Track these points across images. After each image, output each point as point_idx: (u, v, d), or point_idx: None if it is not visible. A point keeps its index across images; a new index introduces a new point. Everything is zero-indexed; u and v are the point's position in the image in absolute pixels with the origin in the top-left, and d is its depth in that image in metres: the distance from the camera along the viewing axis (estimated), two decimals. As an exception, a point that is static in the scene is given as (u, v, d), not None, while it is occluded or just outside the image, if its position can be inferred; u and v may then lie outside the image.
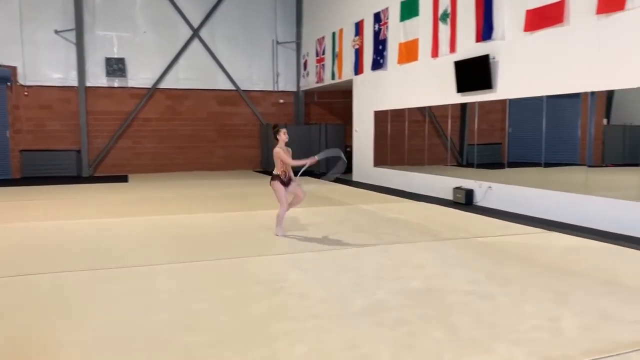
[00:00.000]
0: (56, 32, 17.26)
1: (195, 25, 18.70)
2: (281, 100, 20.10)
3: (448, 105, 11.66)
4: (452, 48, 11.21)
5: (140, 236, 7.65)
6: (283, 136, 7.41)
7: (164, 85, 18.59)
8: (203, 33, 18.87)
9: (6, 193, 12.86)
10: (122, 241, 7.32)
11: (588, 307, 4.43)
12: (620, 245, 6.84)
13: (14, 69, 16.88)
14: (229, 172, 18.79)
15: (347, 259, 6.21)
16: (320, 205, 10.64)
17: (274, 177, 7.38)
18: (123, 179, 16.34)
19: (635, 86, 7.45)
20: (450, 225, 8.44)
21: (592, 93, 8.28)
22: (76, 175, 17.44)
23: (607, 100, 8.34)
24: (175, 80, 18.72)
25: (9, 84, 16.78)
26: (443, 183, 11.64)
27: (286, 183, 7.40)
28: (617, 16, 7.60)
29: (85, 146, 17.70)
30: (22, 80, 17.04)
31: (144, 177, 17.04)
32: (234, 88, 19.35)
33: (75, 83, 17.54)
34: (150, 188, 13.86)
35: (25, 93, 17.12)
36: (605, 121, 8.51)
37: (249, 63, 19.60)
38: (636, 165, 7.65)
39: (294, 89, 20.23)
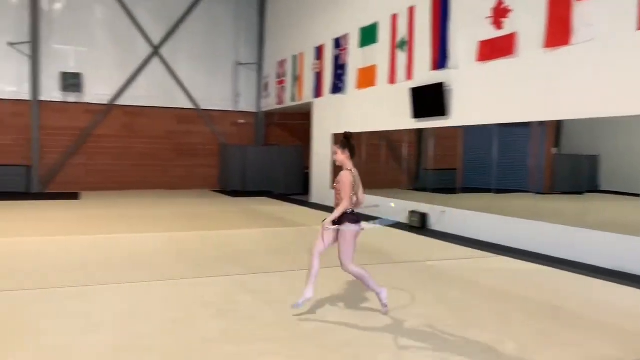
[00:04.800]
0: (10, 44, 16.77)
1: (156, 42, 18.54)
2: (241, 121, 20.06)
3: (404, 130, 11.88)
4: (409, 75, 11.47)
5: (84, 255, 7.41)
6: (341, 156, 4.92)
7: (121, 102, 18.27)
8: (164, 50, 18.71)
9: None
10: (64, 260, 7.06)
11: (528, 330, 4.53)
12: (564, 269, 7.05)
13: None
14: (185, 191, 18.50)
15: (299, 281, 6.16)
16: (273, 226, 10.59)
17: (347, 217, 4.71)
18: (74, 196, 15.84)
19: (580, 117, 7.79)
20: (403, 248, 8.52)
21: (542, 123, 8.60)
22: (25, 192, 16.81)
23: (556, 130, 8.68)
24: (133, 97, 18.41)
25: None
26: (399, 206, 11.77)
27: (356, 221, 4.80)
28: (563, 50, 7.97)
29: (36, 162, 17.14)
30: (-29, 91, 16.45)
31: (96, 194, 16.58)
32: (193, 107, 19.20)
33: (28, 97, 17.05)
34: (101, 206, 13.48)
35: (-26, 105, 16.51)
36: (554, 150, 8.84)
37: (210, 82, 19.52)
38: (580, 193, 7.94)
39: (254, 109, 20.24)
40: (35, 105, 17.06)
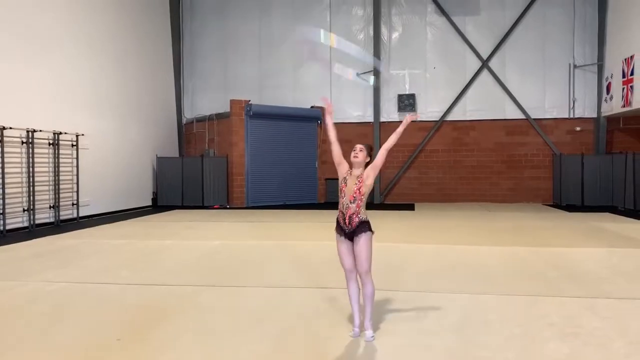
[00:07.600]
0: (357, 74, 19.40)
1: (485, 55, 18.67)
2: (578, 128, 18.37)
3: None
4: None
5: (425, 263, 7.90)
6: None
7: (450, 117, 19.04)
8: (492, 62, 18.70)
9: (312, 214, 14.84)
10: (406, 266, 7.67)
11: None
12: None
13: (324, 109, 19.60)
14: (513, 204, 17.93)
15: (661, 312, 5.24)
16: (621, 246, 9.26)
17: (364, 225, 4.68)
18: (410, 207, 17.18)
19: None
20: None
21: None
22: (370, 202, 19.07)
23: None
24: (462, 112, 18.98)
25: (319, 122, 19.52)
26: None
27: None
28: None
29: (377, 176, 19.31)
30: (329, 118, 19.68)
31: (428, 206, 17.59)
32: (523, 117, 18.55)
33: (370, 119, 19.40)
34: (435, 217, 14.22)
35: (331, 129, 19.68)
36: None
37: (542, 90, 18.57)
38: None
39: (593, 115, 18.26)
40: (377, 126, 19.25)
